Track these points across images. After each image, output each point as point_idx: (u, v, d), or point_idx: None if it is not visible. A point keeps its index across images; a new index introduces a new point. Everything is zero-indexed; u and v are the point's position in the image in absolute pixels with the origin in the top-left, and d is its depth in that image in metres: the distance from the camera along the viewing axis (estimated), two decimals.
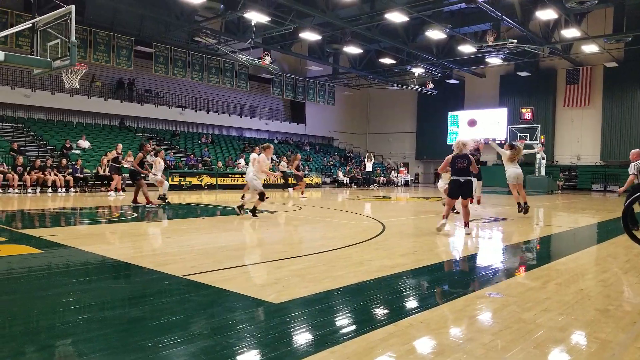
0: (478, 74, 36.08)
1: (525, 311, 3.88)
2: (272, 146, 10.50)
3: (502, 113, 36.07)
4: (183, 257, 5.84)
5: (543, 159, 27.72)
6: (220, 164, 25.41)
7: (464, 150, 8.34)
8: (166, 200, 13.15)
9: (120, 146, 16.72)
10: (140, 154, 13.11)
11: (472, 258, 6.51)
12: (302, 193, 18.38)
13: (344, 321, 3.63)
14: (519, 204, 12.10)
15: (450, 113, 38.65)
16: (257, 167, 10.07)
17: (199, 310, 3.80)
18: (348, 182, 30.68)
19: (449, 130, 38.80)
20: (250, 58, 24.01)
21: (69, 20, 9.30)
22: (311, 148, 37.34)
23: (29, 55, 10.33)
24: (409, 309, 4.00)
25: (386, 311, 3.92)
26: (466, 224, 8.48)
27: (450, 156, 8.45)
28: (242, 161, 15.68)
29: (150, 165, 13.44)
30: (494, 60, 30.09)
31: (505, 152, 12.09)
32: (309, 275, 4.96)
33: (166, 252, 6.29)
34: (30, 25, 10.24)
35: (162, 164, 13.74)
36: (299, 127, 37.99)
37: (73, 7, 9.30)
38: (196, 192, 20.85)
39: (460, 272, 5.75)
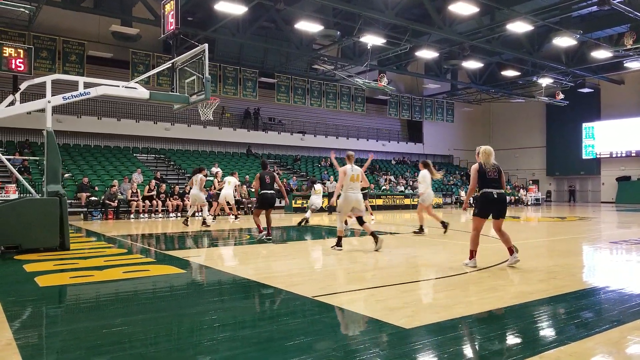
0: (616, 80, 32.75)
1: None
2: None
3: None
4: (311, 278, 5.96)
5: None
6: None
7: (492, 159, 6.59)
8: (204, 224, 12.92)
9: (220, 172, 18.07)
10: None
11: (621, 284, 5.79)
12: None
13: (482, 351, 3.40)
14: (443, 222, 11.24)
15: (584, 124, 35.44)
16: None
17: (331, 332, 3.82)
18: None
19: (583, 143, 35.58)
20: (367, 81, 24.31)
21: (202, 58, 10.15)
22: None
23: (170, 92, 11.48)
24: (554, 340, 3.63)
25: (529, 341, 3.60)
26: (512, 250, 6.70)
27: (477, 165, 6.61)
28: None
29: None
30: (634, 65, 27.14)
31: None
32: (439, 300, 4.76)
33: (295, 273, 6.46)
34: (170, 65, 11.39)
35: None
36: (416, 147, 37.41)
37: (206, 46, 10.17)
38: (318, 213, 21.36)
39: (610, 300, 5.10)
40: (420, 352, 3.35)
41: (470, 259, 6.72)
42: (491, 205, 6.56)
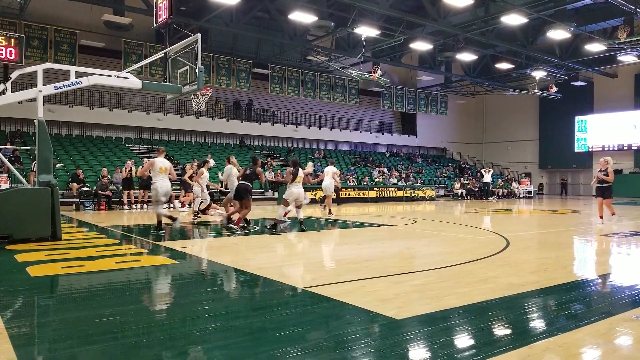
0: (609, 74, 32.87)
1: None
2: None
3: (638, 116, 32.50)
4: (303, 269, 5.97)
5: None
6: None
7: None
8: (197, 216, 12.98)
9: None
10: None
11: (611, 276, 5.85)
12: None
13: (472, 341, 3.43)
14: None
15: (577, 118, 35.58)
16: None
17: (322, 323, 3.84)
18: (464, 194, 29.53)
19: (576, 137, 35.75)
20: (361, 72, 24.26)
21: (195, 48, 10.09)
22: (423, 160, 36.59)
23: (162, 83, 11.41)
24: (544, 331, 3.67)
25: (519, 332, 3.64)
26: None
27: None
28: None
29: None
30: (628, 58, 27.20)
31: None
32: (430, 291, 4.79)
33: (287, 264, 6.47)
34: (163, 54, 11.31)
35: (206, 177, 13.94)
36: (410, 139, 37.45)
37: (199, 36, 10.10)
38: (311, 206, 21.37)
39: (599, 292, 5.17)
40: (410, 342, 3.37)
41: (601, 219, 12.02)
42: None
